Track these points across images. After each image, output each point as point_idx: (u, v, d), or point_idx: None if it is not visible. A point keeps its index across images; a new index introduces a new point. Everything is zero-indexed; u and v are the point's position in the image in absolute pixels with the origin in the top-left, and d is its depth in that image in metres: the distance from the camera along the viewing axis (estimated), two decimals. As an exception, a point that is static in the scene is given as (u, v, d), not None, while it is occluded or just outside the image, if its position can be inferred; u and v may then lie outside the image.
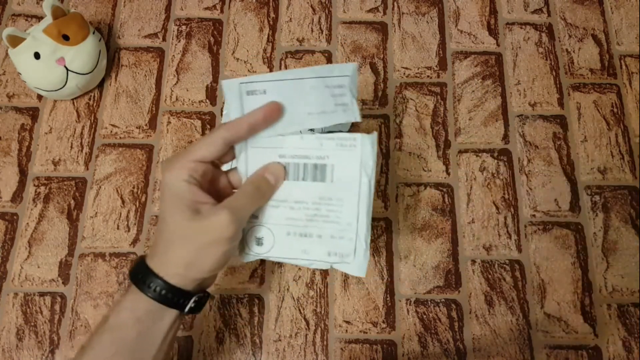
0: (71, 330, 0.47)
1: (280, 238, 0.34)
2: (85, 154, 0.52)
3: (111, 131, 0.53)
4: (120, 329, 0.30)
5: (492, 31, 0.58)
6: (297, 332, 0.47)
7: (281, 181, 0.34)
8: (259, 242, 0.35)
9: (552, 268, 0.49)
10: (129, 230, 0.50)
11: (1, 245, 0.49)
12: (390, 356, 0.47)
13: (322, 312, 0.48)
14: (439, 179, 0.52)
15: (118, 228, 0.50)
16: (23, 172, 0.52)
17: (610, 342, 0.47)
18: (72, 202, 0.51)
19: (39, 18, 0.57)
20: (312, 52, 0.57)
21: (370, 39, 0.57)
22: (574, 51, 0.57)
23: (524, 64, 0.56)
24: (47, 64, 0.49)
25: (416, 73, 0.56)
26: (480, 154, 0.53)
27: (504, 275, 0.49)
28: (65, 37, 0.49)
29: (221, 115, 0.54)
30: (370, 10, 0.58)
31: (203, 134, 0.53)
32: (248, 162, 0.34)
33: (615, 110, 0.54)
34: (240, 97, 0.32)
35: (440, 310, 0.48)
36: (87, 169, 0.52)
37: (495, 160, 0.53)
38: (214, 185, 0.34)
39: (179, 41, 0.57)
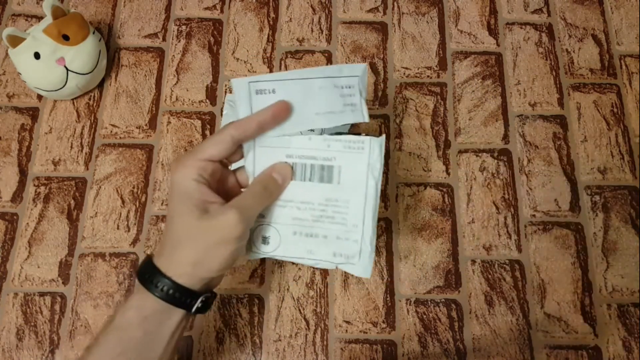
0: (71, 330, 0.47)
1: (287, 237, 0.34)
2: (85, 154, 0.52)
3: (111, 131, 0.53)
4: (126, 329, 0.30)
5: (492, 31, 0.58)
6: (297, 332, 0.47)
7: (288, 181, 0.34)
8: (265, 241, 0.35)
9: (552, 268, 0.49)
10: (129, 230, 0.50)
11: (1, 245, 0.49)
12: (390, 356, 0.47)
13: (322, 312, 0.48)
14: (439, 179, 0.52)
15: (118, 228, 0.50)
16: (23, 172, 0.52)
17: (610, 342, 0.47)
18: (72, 202, 0.51)
19: (39, 18, 0.57)
20: (312, 52, 0.57)
21: (370, 39, 0.57)
22: (574, 51, 0.57)
23: (524, 64, 0.56)
24: (47, 64, 0.49)
25: (416, 73, 0.56)
26: (480, 154, 0.53)
27: (504, 275, 0.49)
28: (65, 37, 0.49)
29: (221, 115, 0.54)
30: (370, 10, 0.59)
31: (203, 134, 0.53)
32: (255, 161, 0.34)
33: (615, 110, 0.54)
34: (249, 96, 0.32)
35: (440, 310, 0.48)
36: (87, 169, 0.52)
37: (495, 160, 0.53)
38: (222, 184, 0.34)
39: (179, 41, 0.57)
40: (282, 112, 0.32)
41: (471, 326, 0.47)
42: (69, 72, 0.50)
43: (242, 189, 0.35)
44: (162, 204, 0.51)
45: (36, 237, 0.50)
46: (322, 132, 0.34)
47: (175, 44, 0.57)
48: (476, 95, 0.55)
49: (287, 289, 0.48)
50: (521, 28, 0.58)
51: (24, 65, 0.49)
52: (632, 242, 0.50)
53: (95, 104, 0.54)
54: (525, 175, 0.52)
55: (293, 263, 0.49)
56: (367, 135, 0.33)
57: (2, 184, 0.51)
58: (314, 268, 0.49)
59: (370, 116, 0.54)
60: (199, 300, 0.31)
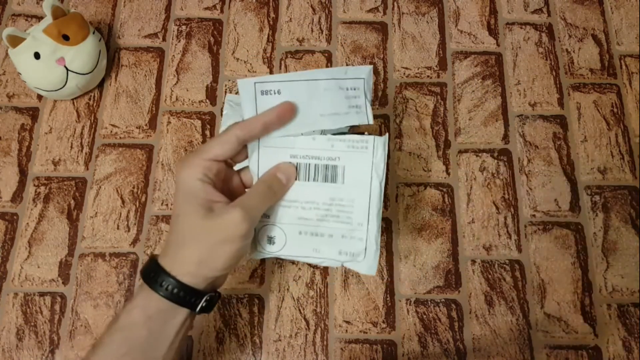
0: (71, 330, 0.47)
1: (292, 237, 0.35)
2: (85, 154, 0.52)
3: (111, 131, 0.53)
4: (131, 328, 0.30)
5: (492, 31, 0.58)
6: (297, 332, 0.47)
7: (293, 180, 0.34)
8: (271, 240, 0.35)
9: (552, 268, 0.49)
10: (129, 230, 0.50)
11: (1, 245, 0.49)
12: (390, 356, 0.47)
13: (322, 312, 0.48)
14: (439, 179, 0.52)
15: (118, 228, 0.50)
16: (23, 172, 0.52)
17: (610, 342, 0.47)
18: (72, 202, 0.51)
19: (39, 18, 0.57)
20: (312, 52, 0.57)
21: (370, 39, 0.57)
22: (574, 51, 0.57)
23: (524, 64, 0.56)
24: (47, 64, 0.49)
25: (416, 73, 0.56)
26: (480, 154, 0.53)
27: (504, 275, 0.49)
28: (65, 37, 0.49)
29: (221, 115, 0.54)
30: (370, 10, 0.59)
31: (203, 134, 0.53)
32: (260, 161, 0.34)
33: (615, 110, 0.54)
34: (255, 96, 0.32)
35: (440, 310, 0.48)
36: (87, 169, 0.52)
37: (495, 160, 0.53)
38: (227, 184, 0.34)
39: (179, 41, 0.57)
40: (287, 113, 0.32)
41: (471, 326, 0.47)
42: (69, 72, 0.50)
43: (247, 189, 0.35)
44: (162, 204, 0.51)
45: (36, 237, 0.50)
46: (323, 132, 0.34)
47: (175, 44, 0.57)
48: (476, 95, 0.55)
49: (287, 289, 0.48)
50: (521, 28, 0.58)
51: (24, 65, 0.49)
52: (632, 242, 0.50)
53: (95, 104, 0.54)
54: (525, 175, 0.52)
55: (293, 263, 0.49)
56: (369, 134, 0.33)
57: (2, 184, 0.51)
58: (314, 268, 0.49)
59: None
60: (204, 299, 0.31)
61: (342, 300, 0.48)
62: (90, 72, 0.51)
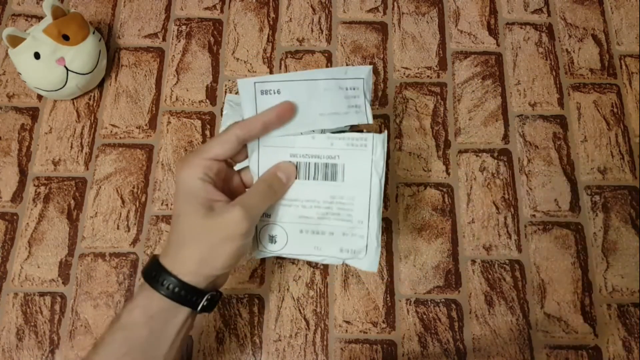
0: (71, 330, 0.47)
1: (293, 236, 0.35)
2: (85, 154, 0.52)
3: (111, 131, 0.53)
4: (132, 328, 0.30)
5: (492, 31, 0.58)
6: (297, 332, 0.47)
7: (293, 179, 0.34)
8: (273, 239, 0.35)
9: (552, 268, 0.49)
10: (129, 230, 0.50)
11: (1, 245, 0.49)
12: (390, 356, 0.47)
13: (322, 312, 0.48)
14: (439, 179, 0.52)
15: (118, 228, 0.50)
16: (23, 172, 0.52)
17: (610, 342, 0.47)
18: (72, 202, 0.51)
19: (39, 18, 0.57)
20: (312, 52, 0.57)
21: (370, 39, 0.57)
22: (574, 51, 0.57)
23: (524, 64, 0.56)
24: (47, 64, 0.49)
25: (416, 73, 0.56)
26: (480, 154, 0.53)
27: (504, 275, 0.49)
28: (65, 37, 0.49)
29: (221, 115, 0.54)
30: (370, 10, 0.58)
31: (203, 134, 0.53)
32: (260, 161, 0.34)
33: (615, 110, 0.54)
34: (255, 96, 0.32)
35: (440, 310, 0.48)
36: (87, 169, 0.52)
37: (495, 160, 0.53)
38: (227, 184, 0.34)
39: (179, 41, 0.57)
40: (286, 113, 0.32)
41: (471, 326, 0.47)
42: (69, 72, 0.50)
43: (247, 189, 0.36)
44: (162, 204, 0.51)
45: (36, 237, 0.50)
46: (322, 131, 0.34)
47: (175, 44, 0.57)
48: (476, 95, 0.55)
49: (287, 289, 0.48)
50: (521, 28, 0.58)
51: (24, 65, 0.49)
52: (632, 242, 0.50)
53: (95, 104, 0.54)
54: (525, 175, 0.52)
55: (293, 263, 0.49)
56: (368, 132, 0.33)
57: (2, 184, 0.51)
58: (314, 268, 0.49)
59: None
60: (205, 298, 0.31)
61: (342, 300, 0.48)
62: (90, 72, 0.51)
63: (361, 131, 0.34)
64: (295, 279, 0.49)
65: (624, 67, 0.56)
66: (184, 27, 0.58)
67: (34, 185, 0.51)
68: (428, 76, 0.56)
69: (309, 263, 0.49)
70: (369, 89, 0.34)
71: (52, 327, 0.47)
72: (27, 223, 0.50)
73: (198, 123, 0.54)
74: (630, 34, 0.57)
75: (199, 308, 0.32)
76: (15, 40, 0.48)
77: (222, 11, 0.58)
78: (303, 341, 0.47)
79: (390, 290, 0.48)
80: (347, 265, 0.49)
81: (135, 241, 0.50)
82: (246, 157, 0.34)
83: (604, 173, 0.52)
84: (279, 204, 0.35)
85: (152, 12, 0.58)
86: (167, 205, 0.51)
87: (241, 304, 0.48)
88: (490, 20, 0.58)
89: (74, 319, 0.47)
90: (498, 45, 0.57)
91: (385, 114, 0.54)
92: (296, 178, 0.34)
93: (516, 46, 0.57)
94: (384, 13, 0.58)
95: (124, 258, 0.49)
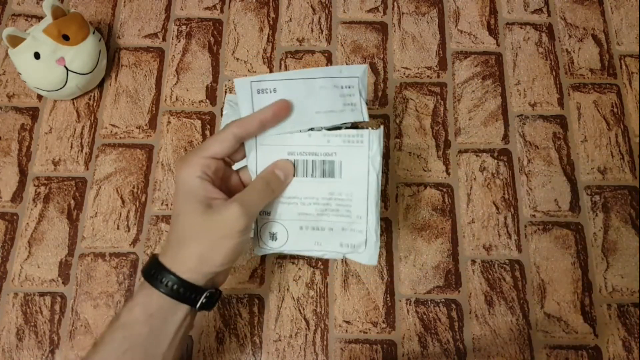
0: (71, 330, 0.47)
1: (294, 232, 0.35)
2: (85, 154, 0.52)
3: (111, 131, 0.53)
4: (132, 326, 0.31)
5: (492, 31, 0.58)
6: (297, 332, 0.47)
7: (290, 177, 0.34)
8: (273, 237, 0.36)
9: (552, 268, 0.49)
10: (129, 230, 0.50)
11: (1, 245, 0.49)
12: (390, 356, 0.47)
13: (322, 312, 0.48)
14: (439, 179, 0.52)
15: (118, 228, 0.50)
16: (23, 172, 0.52)
17: (610, 342, 0.47)
18: (72, 202, 0.51)
19: (39, 18, 0.57)
20: (312, 52, 0.57)
21: (370, 39, 0.57)
22: (574, 51, 0.57)
23: (524, 64, 0.56)
24: (47, 64, 0.49)
25: (416, 73, 0.56)
26: (480, 154, 0.53)
27: (504, 275, 0.49)
28: (65, 37, 0.49)
29: (221, 115, 0.54)
30: (370, 10, 0.58)
31: (203, 134, 0.53)
32: (258, 159, 0.34)
33: (615, 110, 0.54)
34: (251, 95, 0.33)
35: (440, 310, 0.48)
36: (87, 169, 0.52)
37: (495, 160, 0.53)
38: (226, 183, 0.35)
39: (179, 41, 0.57)
40: (282, 111, 0.32)
41: (471, 326, 0.47)
42: (69, 72, 0.50)
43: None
44: (162, 204, 0.51)
45: (36, 237, 0.50)
46: (319, 128, 0.34)
47: (175, 44, 0.57)
48: (476, 95, 0.55)
49: (287, 289, 0.48)
50: (521, 28, 0.58)
51: (24, 65, 0.49)
52: (632, 242, 0.50)
53: (95, 104, 0.54)
54: (525, 175, 0.52)
55: (293, 263, 0.49)
56: (365, 128, 0.34)
57: (2, 184, 0.51)
58: (314, 268, 0.49)
59: (371, 116, 0.54)
60: (204, 295, 0.32)
61: (342, 300, 0.48)
62: (90, 72, 0.51)
63: (357, 127, 0.34)
64: (295, 279, 0.49)
65: (624, 67, 0.56)
66: (184, 27, 0.58)
67: (34, 185, 0.51)
68: (428, 76, 0.56)
69: (309, 263, 0.49)
70: (365, 87, 0.34)
71: (52, 327, 0.47)
72: (27, 223, 0.50)
73: (198, 123, 0.54)
74: (630, 34, 0.57)
75: (198, 305, 0.32)
76: (15, 40, 0.48)
77: (222, 11, 0.58)
78: (303, 341, 0.47)
79: (390, 290, 0.48)
80: (347, 265, 0.49)
81: (135, 241, 0.50)
82: (244, 156, 0.35)
83: (604, 173, 0.52)
84: (278, 202, 0.35)
85: (152, 12, 0.58)
86: (167, 205, 0.51)
87: (241, 304, 0.48)
88: (490, 20, 0.58)
89: (74, 319, 0.47)
90: (498, 45, 0.57)
91: (385, 114, 0.54)
92: (294, 176, 0.34)
93: (516, 46, 0.57)
94: (384, 13, 0.58)
95: (124, 258, 0.49)
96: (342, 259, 0.49)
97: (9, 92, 0.55)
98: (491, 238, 0.50)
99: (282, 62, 0.56)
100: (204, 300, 0.32)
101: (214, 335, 0.47)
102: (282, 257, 0.49)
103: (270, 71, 0.56)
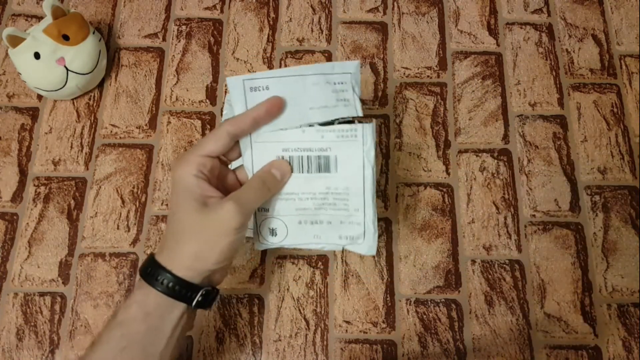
0: (71, 330, 0.47)
1: (293, 227, 0.36)
2: (85, 154, 0.52)
3: (111, 131, 0.53)
4: (129, 324, 0.31)
5: (492, 31, 0.58)
6: (297, 332, 0.47)
7: (287, 176, 0.35)
8: (273, 232, 0.36)
9: (552, 268, 0.49)
10: (129, 230, 0.50)
11: (1, 245, 0.49)
12: (390, 356, 0.47)
13: (322, 312, 0.48)
14: (439, 179, 0.52)
15: (118, 228, 0.50)
16: (23, 172, 0.52)
17: (610, 342, 0.47)
18: (72, 202, 0.51)
19: (39, 18, 0.57)
20: (312, 52, 0.57)
21: (370, 39, 0.57)
22: (574, 51, 0.57)
23: (524, 64, 0.56)
24: (47, 64, 0.49)
25: (416, 73, 0.56)
26: (480, 154, 0.53)
27: (504, 275, 0.49)
28: (65, 37, 0.49)
29: (221, 115, 0.54)
30: (370, 10, 0.58)
31: (203, 134, 0.53)
32: (253, 157, 0.35)
33: (615, 110, 0.54)
34: (244, 93, 0.33)
35: (440, 310, 0.48)
36: (87, 169, 0.52)
37: (495, 160, 0.53)
38: (223, 182, 0.35)
39: (179, 41, 0.57)
40: (275, 107, 0.33)
41: (471, 326, 0.47)
42: (69, 72, 0.50)
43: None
44: (162, 204, 0.51)
45: (36, 237, 0.50)
46: (313, 124, 0.34)
47: (175, 44, 0.57)
48: (476, 95, 0.55)
49: (287, 289, 0.48)
50: (521, 28, 0.58)
51: (24, 65, 0.49)
52: (632, 242, 0.50)
53: (95, 104, 0.54)
54: (525, 175, 0.52)
55: (293, 263, 0.49)
56: (359, 122, 0.34)
57: (2, 184, 0.51)
58: (313, 268, 0.49)
59: (371, 116, 0.54)
60: (199, 293, 0.32)
61: (342, 300, 0.48)
62: (90, 72, 0.51)
63: (352, 121, 0.34)
64: (295, 279, 0.49)
65: (624, 67, 0.56)
66: (184, 27, 0.58)
67: (34, 185, 0.51)
68: (428, 76, 0.56)
69: (309, 263, 0.49)
70: (358, 83, 0.34)
71: (52, 327, 0.47)
72: (27, 223, 0.50)
73: (198, 123, 0.54)
74: (630, 34, 0.57)
75: (194, 303, 0.32)
76: (15, 40, 0.48)
77: (222, 11, 0.58)
78: (303, 341, 0.47)
79: (390, 290, 0.48)
80: (347, 265, 0.49)
81: (135, 241, 0.50)
82: (239, 155, 0.35)
83: (604, 173, 0.52)
84: (276, 198, 0.35)
85: (152, 12, 0.58)
86: (167, 205, 0.51)
87: (241, 304, 0.48)
88: (490, 20, 0.58)
89: (74, 319, 0.47)
90: (498, 45, 0.57)
91: (385, 114, 0.54)
92: (291, 174, 0.35)
93: (516, 46, 0.57)
94: (384, 13, 0.58)
95: (124, 258, 0.49)
96: (342, 259, 0.49)
97: (9, 92, 0.55)
98: (491, 238, 0.50)
99: (282, 62, 0.56)
100: (200, 299, 0.32)
101: (214, 335, 0.47)
102: (282, 257, 0.49)
103: (270, 71, 0.56)
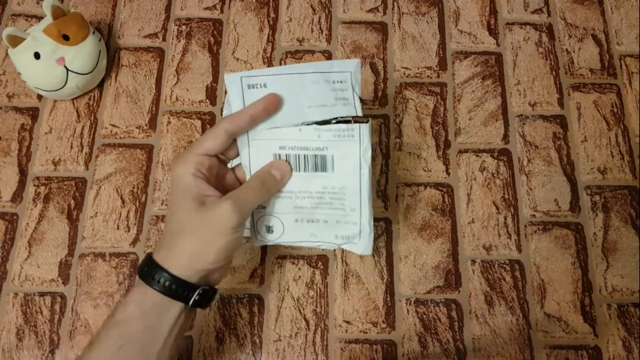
0: (71, 330, 0.47)
1: (289, 225, 0.36)
2: (85, 154, 0.52)
3: (111, 131, 0.53)
4: (127, 323, 0.31)
5: (492, 31, 0.58)
6: (297, 332, 0.47)
7: (287, 177, 0.35)
8: (270, 229, 0.36)
9: (552, 268, 0.49)
10: (129, 230, 0.50)
11: (1, 245, 0.49)
12: (390, 356, 0.47)
13: (322, 312, 0.48)
14: (439, 179, 0.52)
15: (118, 228, 0.50)
16: (23, 172, 0.52)
17: (610, 342, 0.47)
18: (72, 202, 0.51)
19: (39, 18, 0.57)
20: (312, 52, 0.57)
21: (370, 39, 0.57)
22: (574, 51, 0.57)
23: (524, 64, 0.56)
24: (47, 64, 0.49)
25: (416, 73, 0.56)
26: (480, 154, 0.53)
27: (504, 275, 0.49)
28: (65, 37, 0.49)
29: (221, 115, 0.54)
30: (370, 10, 0.58)
31: (203, 134, 0.53)
32: (250, 155, 0.35)
33: (615, 110, 0.54)
34: (242, 90, 0.33)
35: (440, 310, 0.48)
36: (87, 169, 0.52)
37: (495, 160, 0.53)
38: (221, 181, 0.35)
39: (179, 41, 0.57)
40: (272, 105, 0.33)
41: (471, 326, 0.47)
42: (69, 72, 0.50)
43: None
44: (162, 204, 0.51)
45: (36, 237, 0.50)
46: (311, 122, 0.34)
47: (175, 44, 0.57)
48: (476, 95, 0.55)
49: (287, 289, 0.48)
50: (521, 28, 0.58)
51: (24, 65, 0.49)
52: (632, 242, 0.50)
53: (95, 104, 0.54)
54: (525, 175, 0.52)
55: (293, 263, 0.49)
56: (355, 122, 0.34)
57: (2, 184, 0.51)
58: (314, 268, 0.49)
59: (370, 116, 0.54)
60: (196, 292, 0.32)
61: (342, 300, 0.48)
62: (90, 72, 0.51)
63: (349, 121, 0.34)
64: (295, 279, 0.49)
65: (624, 67, 0.56)
66: (184, 27, 0.58)
67: (34, 185, 0.51)
68: (428, 76, 0.56)
69: (309, 263, 0.49)
70: (358, 82, 0.34)
71: (52, 327, 0.47)
72: (27, 223, 0.50)
73: (198, 123, 0.54)
74: (630, 34, 0.57)
75: (191, 303, 0.32)
76: (15, 40, 0.48)
77: (222, 11, 0.58)
78: (303, 341, 0.47)
79: (390, 290, 0.48)
80: (347, 265, 0.49)
81: (135, 241, 0.50)
82: (238, 153, 0.35)
83: (604, 173, 0.52)
84: (273, 196, 0.35)
85: (152, 12, 0.58)
86: (167, 205, 0.51)
87: (241, 304, 0.48)
88: (490, 20, 0.58)
89: (74, 319, 0.47)
90: (498, 45, 0.57)
91: (385, 114, 0.54)
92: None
93: (516, 46, 0.57)
94: (384, 13, 0.58)
95: (124, 258, 0.49)
96: (342, 259, 0.49)
97: (9, 92, 0.55)
98: (491, 238, 0.50)
99: (282, 62, 0.56)
100: (197, 298, 0.32)
101: (214, 335, 0.47)
102: (282, 257, 0.49)
103: (270, 71, 0.56)
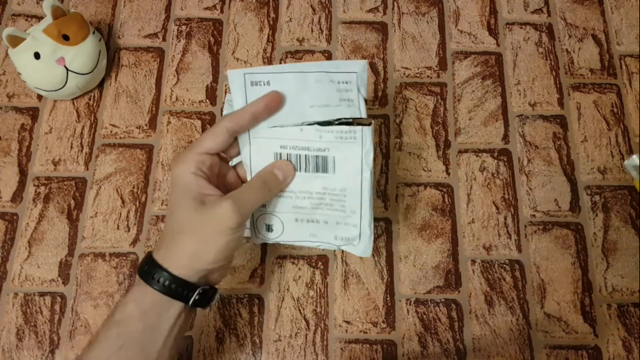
0: (71, 330, 0.47)
1: (289, 224, 0.36)
2: (85, 154, 0.52)
3: (111, 131, 0.53)
4: (126, 322, 0.31)
5: (492, 31, 0.58)
6: (297, 332, 0.47)
7: (290, 177, 0.34)
8: (269, 228, 0.36)
9: (552, 268, 0.49)
10: (129, 230, 0.50)
11: (1, 245, 0.49)
12: (390, 356, 0.47)
13: (322, 312, 0.48)
14: (439, 179, 0.52)
15: (118, 228, 0.50)
16: (23, 172, 0.52)
17: (610, 342, 0.47)
18: (72, 202, 0.51)
19: (39, 18, 0.57)
20: (312, 52, 0.57)
21: (370, 39, 0.57)
22: (574, 51, 0.57)
23: (524, 64, 0.56)
24: (47, 64, 0.49)
25: (416, 73, 0.56)
26: (480, 154, 0.53)
27: (504, 275, 0.49)
28: (65, 37, 0.49)
29: (221, 115, 0.54)
30: (370, 10, 0.58)
31: (204, 132, 0.53)
32: (251, 153, 0.34)
33: (615, 110, 0.54)
34: (244, 87, 0.33)
35: (440, 310, 0.48)
36: (87, 169, 0.52)
37: (495, 160, 0.53)
38: (223, 180, 0.35)
39: (179, 41, 0.57)
40: (274, 103, 0.32)
41: (471, 326, 0.47)
42: (69, 72, 0.50)
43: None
44: (162, 204, 0.51)
45: (36, 237, 0.50)
46: (313, 122, 0.34)
47: (175, 44, 0.57)
48: (476, 95, 0.55)
49: (287, 289, 0.48)
50: (521, 28, 0.58)
51: (24, 65, 0.49)
52: (632, 242, 0.50)
53: (95, 104, 0.54)
54: (525, 175, 0.52)
55: (293, 263, 0.49)
56: (357, 124, 0.33)
57: (2, 184, 0.51)
58: (314, 268, 0.49)
59: (370, 116, 0.54)
60: (196, 292, 0.31)
61: (342, 300, 0.48)
62: (90, 72, 0.51)
63: (351, 123, 0.34)
64: (295, 279, 0.49)
65: (624, 67, 0.56)
66: (184, 27, 0.58)
67: (34, 185, 0.51)
68: (428, 76, 0.56)
69: (309, 263, 0.49)
70: (364, 83, 0.33)
71: (52, 327, 0.47)
72: (27, 223, 0.50)
73: (198, 123, 0.54)
74: (630, 34, 0.57)
75: (191, 302, 0.32)
76: (15, 40, 0.48)
77: (222, 11, 0.58)
78: (303, 341, 0.47)
79: (390, 290, 0.48)
80: (347, 265, 0.49)
81: (135, 241, 0.50)
82: (239, 152, 0.35)
83: (604, 173, 0.52)
84: None
85: (152, 12, 0.58)
86: (167, 205, 0.51)
87: (241, 304, 0.48)
88: (490, 20, 0.58)
89: (74, 319, 0.47)
90: (498, 45, 0.57)
91: (385, 114, 0.54)
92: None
93: (516, 46, 0.57)
94: (384, 13, 0.58)
95: (124, 258, 0.49)
96: (342, 259, 0.49)
97: (9, 92, 0.55)
98: (491, 238, 0.50)
99: (282, 62, 0.56)
100: (196, 297, 0.32)
101: (213, 335, 0.47)
102: (282, 257, 0.49)
103: (270, 71, 0.56)
